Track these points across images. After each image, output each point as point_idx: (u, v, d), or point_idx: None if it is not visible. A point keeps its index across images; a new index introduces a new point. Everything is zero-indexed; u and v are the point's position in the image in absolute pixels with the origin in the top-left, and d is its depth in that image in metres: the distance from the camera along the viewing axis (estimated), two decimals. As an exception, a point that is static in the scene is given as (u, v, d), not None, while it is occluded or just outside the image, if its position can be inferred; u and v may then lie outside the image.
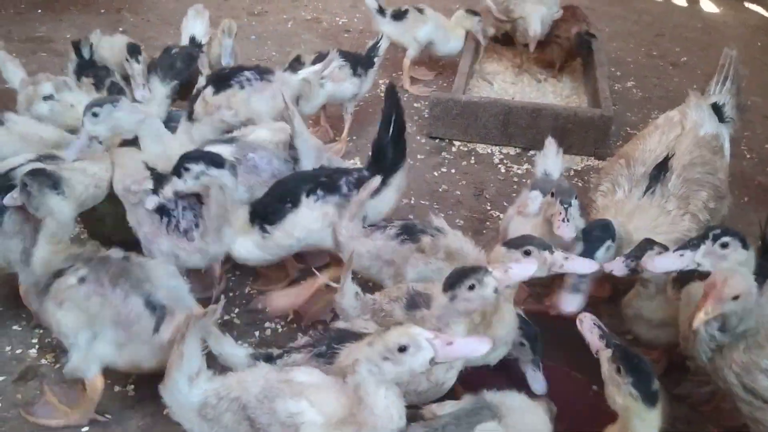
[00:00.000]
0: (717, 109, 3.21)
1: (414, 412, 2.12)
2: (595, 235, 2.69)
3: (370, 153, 3.01)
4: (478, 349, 1.91)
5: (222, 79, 3.34)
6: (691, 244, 2.36)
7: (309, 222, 2.81)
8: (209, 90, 3.31)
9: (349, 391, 1.92)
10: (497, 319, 2.34)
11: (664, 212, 2.86)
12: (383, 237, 2.73)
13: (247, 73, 3.35)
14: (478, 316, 2.32)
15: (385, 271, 2.73)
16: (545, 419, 2.15)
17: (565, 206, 2.64)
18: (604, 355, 2.02)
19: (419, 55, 5.00)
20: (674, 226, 2.86)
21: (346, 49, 4.41)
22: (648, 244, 2.57)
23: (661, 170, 2.95)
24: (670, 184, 2.91)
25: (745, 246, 2.31)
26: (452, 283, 2.18)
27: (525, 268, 2.27)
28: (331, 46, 5.57)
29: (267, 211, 2.83)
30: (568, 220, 2.64)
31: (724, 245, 2.30)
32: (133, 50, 3.88)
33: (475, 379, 2.36)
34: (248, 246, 2.84)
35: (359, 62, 4.15)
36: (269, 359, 2.25)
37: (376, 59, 4.24)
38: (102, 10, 5.98)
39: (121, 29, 5.60)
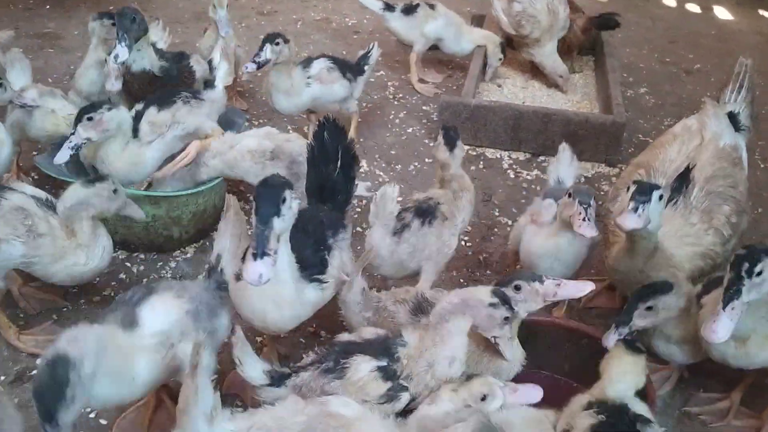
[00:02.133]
0: (732, 117, 3.14)
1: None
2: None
3: (307, 189, 2.71)
4: (535, 396, 2.11)
5: (163, 99, 3.29)
6: (731, 293, 2.20)
7: None
8: (153, 110, 3.21)
9: (390, 425, 1.95)
10: (446, 339, 2.21)
11: (688, 224, 2.79)
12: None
13: (184, 93, 3.37)
14: (483, 344, 2.29)
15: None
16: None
17: (584, 206, 2.56)
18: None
19: (425, 50, 4.95)
20: (699, 239, 2.80)
21: (359, 50, 4.39)
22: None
23: (682, 181, 2.87)
24: (692, 197, 2.84)
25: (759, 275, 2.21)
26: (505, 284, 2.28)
27: (578, 289, 2.33)
28: (340, 46, 5.56)
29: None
30: (588, 219, 2.56)
31: (759, 273, 2.20)
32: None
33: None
34: None
35: (348, 68, 4.06)
36: (284, 378, 2.18)
37: (366, 67, 4.16)
38: (111, 7, 5.93)
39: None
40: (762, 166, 4.36)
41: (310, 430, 1.85)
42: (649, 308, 2.38)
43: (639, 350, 2.14)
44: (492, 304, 2.17)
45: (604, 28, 5.07)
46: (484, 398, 2.01)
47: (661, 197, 2.42)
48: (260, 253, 1.99)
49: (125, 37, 3.30)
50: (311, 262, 2.39)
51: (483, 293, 2.21)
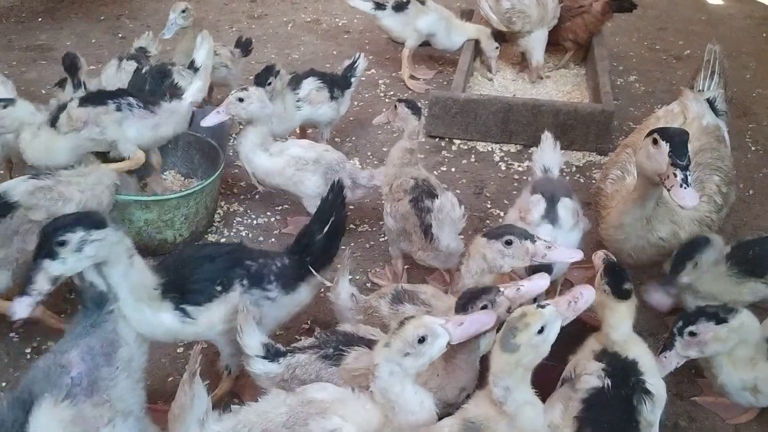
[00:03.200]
0: (710, 104, 3.18)
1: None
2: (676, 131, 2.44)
3: (296, 241, 2.68)
4: (486, 322, 2.00)
5: (98, 96, 3.18)
6: (666, 346, 2.34)
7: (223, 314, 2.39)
8: (74, 102, 3.09)
9: (372, 398, 1.92)
10: (459, 372, 2.25)
11: None
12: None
13: (131, 99, 3.21)
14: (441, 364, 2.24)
15: None
16: None
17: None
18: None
19: (417, 46, 4.98)
20: (704, 212, 2.83)
21: (350, 49, 4.40)
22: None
23: None
24: None
25: (718, 321, 2.29)
26: (465, 304, 2.15)
27: (536, 285, 2.25)
28: (331, 47, 5.59)
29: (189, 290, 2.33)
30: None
31: (692, 334, 2.29)
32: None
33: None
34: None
35: (336, 83, 3.98)
36: (279, 354, 2.24)
37: (353, 79, 4.10)
38: (102, 17, 5.99)
39: (120, 35, 5.63)
40: (753, 148, 4.37)
41: (293, 420, 1.90)
42: (695, 264, 2.49)
43: (627, 294, 2.18)
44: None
45: (622, 10, 5.06)
46: (422, 340, 1.89)
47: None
48: (23, 290, 2.00)
49: None
50: (188, 290, 2.32)
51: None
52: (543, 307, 1.87)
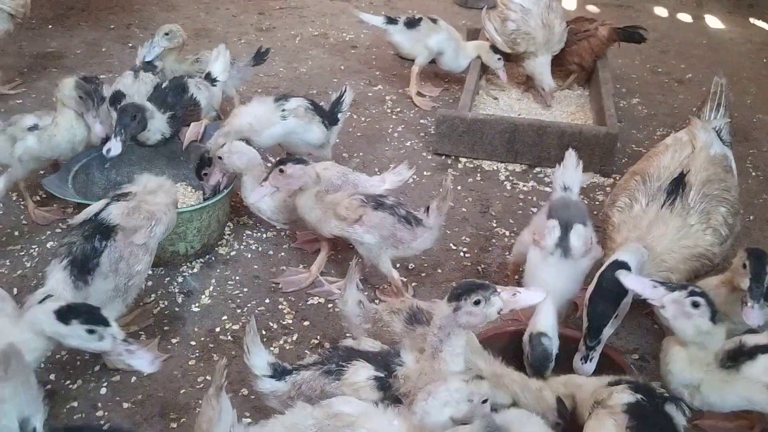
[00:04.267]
0: (716, 134, 3.26)
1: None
2: (600, 311, 2.53)
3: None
4: (536, 297, 2.27)
5: None
6: (670, 285, 2.40)
7: None
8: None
9: (391, 417, 1.99)
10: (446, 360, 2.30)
11: (687, 225, 2.88)
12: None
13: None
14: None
15: None
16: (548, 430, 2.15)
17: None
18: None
19: (426, 64, 5.05)
20: (697, 240, 2.89)
21: (356, 64, 4.43)
22: None
23: (678, 185, 2.97)
24: (690, 198, 2.94)
25: (713, 319, 2.32)
26: (459, 294, 2.20)
27: (533, 296, 2.30)
28: (338, 61, 5.66)
29: None
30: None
31: (695, 304, 2.31)
32: (116, 98, 3.65)
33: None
34: None
35: (323, 114, 3.81)
36: (285, 373, 2.28)
37: (339, 115, 3.88)
38: (112, 26, 6.05)
39: (130, 44, 5.69)
40: (753, 174, 4.45)
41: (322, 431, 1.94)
42: None
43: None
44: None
45: (629, 41, 5.12)
46: (485, 401, 2.04)
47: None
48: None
49: (122, 132, 3.32)
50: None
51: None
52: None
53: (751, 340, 2.40)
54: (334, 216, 3.06)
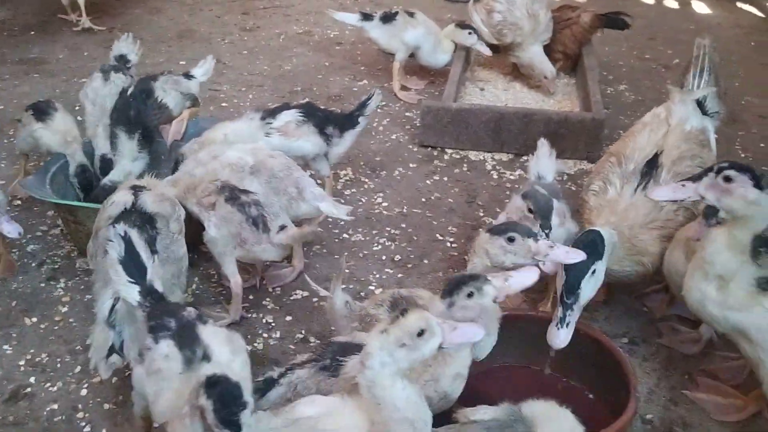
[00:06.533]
0: (699, 105, 3.20)
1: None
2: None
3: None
4: (476, 334, 1.95)
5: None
6: (696, 176, 2.29)
7: None
8: None
9: (362, 403, 1.87)
10: (454, 357, 2.27)
11: (657, 207, 2.82)
12: None
13: None
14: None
15: None
16: (577, 424, 2.06)
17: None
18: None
19: (407, 58, 5.00)
20: (669, 222, 2.84)
21: (341, 61, 4.38)
22: None
23: (651, 167, 2.93)
24: (661, 179, 2.89)
25: (757, 185, 2.18)
26: (451, 290, 2.17)
27: (525, 277, 2.24)
28: (323, 59, 5.62)
29: None
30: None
31: (728, 179, 2.19)
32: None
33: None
34: None
35: (332, 122, 3.61)
36: (272, 383, 2.21)
37: (361, 119, 3.67)
38: (95, 30, 6.01)
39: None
40: (743, 155, 4.41)
41: None
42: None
43: None
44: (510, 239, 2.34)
45: (612, 27, 5.06)
46: (421, 333, 1.83)
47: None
48: None
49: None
50: None
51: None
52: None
53: None
54: (195, 197, 2.98)
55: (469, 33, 4.87)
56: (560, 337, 2.35)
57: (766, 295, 2.27)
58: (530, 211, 2.69)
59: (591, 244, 2.50)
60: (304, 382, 2.17)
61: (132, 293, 2.24)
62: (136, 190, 2.75)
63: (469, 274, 2.21)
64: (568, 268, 2.44)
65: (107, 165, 3.52)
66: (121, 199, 2.70)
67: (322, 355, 2.24)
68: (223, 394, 1.70)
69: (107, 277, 2.38)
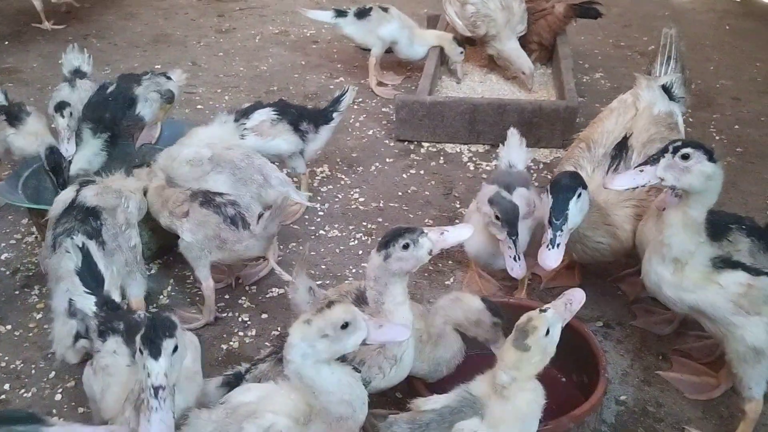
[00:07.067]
0: (666, 90, 3.22)
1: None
2: (565, 184, 2.49)
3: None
4: (402, 334, 1.98)
5: None
6: (652, 158, 2.30)
7: None
8: None
9: (293, 385, 1.89)
10: (444, 342, 2.38)
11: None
12: None
13: None
14: (426, 335, 2.36)
15: None
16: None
17: (513, 238, 2.61)
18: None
19: (382, 53, 5.00)
20: (640, 201, 2.85)
21: (318, 59, 4.38)
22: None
23: (621, 149, 2.95)
24: (632, 162, 2.90)
25: (711, 159, 2.22)
26: (387, 242, 2.15)
27: (460, 232, 2.23)
28: (299, 57, 5.61)
29: None
30: (518, 257, 2.62)
31: (685, 156, 2.21)
32: (60, 106, 3.46)
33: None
34: None
35: (306, 118, 3.62)
36: (240, 378, 2.23)
37: (335, 114, 3.71)
38: (69, 37, 5.96)
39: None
40: (717, 138, 4.43)
41: (223, 430, 1.87)
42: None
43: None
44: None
45: (585, 17, 5.08)
46: (345, 326, 1.85)
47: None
48: None
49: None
50: None
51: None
52: (545, 311, 1.97)
53: (740, 257, 2.41)
54: (168, 210, 2.97)
55: (461, 52, 4.92)
56: (551, 257, 2.38)
57: (721, 273, 2.30)
58: (497, 218, 2.68)
59: (574, 174, 2.55)
60: (266, 375, 2.19)
61: (88, 304, 2.30)
62: (81, 186, 2.83)
63: (405, 227, 2.20)
64: (555, 191, 2.45)
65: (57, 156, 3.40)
66: (62, 197, 2.80)
67: (280, 347, 2.24)
68: (156, 320, 1.81)
69: (58, 274, 2.46)
